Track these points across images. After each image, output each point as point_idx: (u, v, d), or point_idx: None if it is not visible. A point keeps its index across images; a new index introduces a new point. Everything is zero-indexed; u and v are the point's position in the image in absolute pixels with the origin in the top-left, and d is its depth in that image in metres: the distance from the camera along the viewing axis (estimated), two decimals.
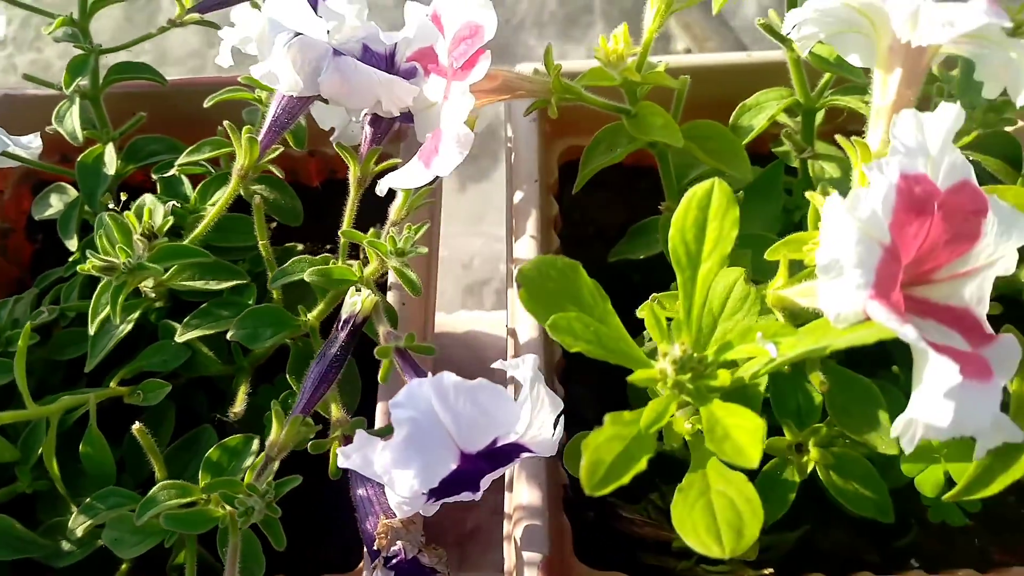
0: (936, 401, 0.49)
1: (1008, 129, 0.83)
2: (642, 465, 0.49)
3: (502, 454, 0.64)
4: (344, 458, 0.59)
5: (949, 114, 0.56)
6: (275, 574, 0.72)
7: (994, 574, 0.71)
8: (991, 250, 0.59)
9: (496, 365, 0.63)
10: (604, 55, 0.75)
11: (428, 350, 0.68)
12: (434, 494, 0.64)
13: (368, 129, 0.81)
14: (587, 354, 0.55)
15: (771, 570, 0.80)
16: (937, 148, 0.56)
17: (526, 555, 0.73)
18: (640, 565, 0.84)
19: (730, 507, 0.55)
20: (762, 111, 0.88)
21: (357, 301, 0.69)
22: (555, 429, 0.63)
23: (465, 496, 0.66)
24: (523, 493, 0.76)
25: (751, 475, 0.79)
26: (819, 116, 0.92)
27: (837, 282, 0.52)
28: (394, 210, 0.73)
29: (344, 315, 0.70)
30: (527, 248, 0.87)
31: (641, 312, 0.56)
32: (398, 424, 0.57)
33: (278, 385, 0.84)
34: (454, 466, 0.60)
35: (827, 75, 0.87)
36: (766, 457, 0.80)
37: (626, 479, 0.48)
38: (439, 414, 0.58)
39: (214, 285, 0.78)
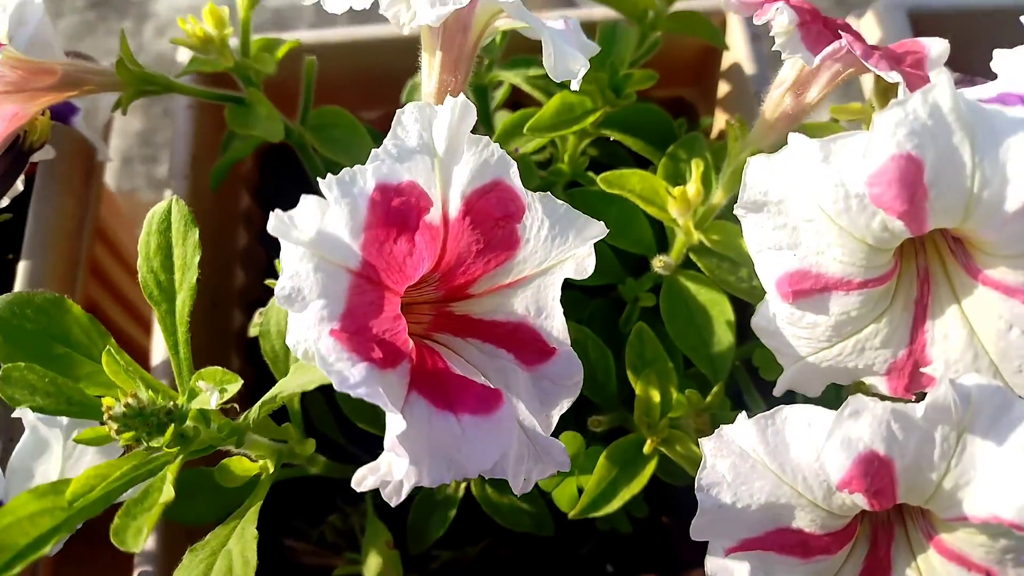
0: (389, 452, 0.42)
1: None
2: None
3: None
4: None
5: (450, 107, 0.48)
6: None
7: None
8: (541, 256, 0.52)
9: None
10: (186, 38, 0.66)
11: None
12: None
13: None
14: (46, 411, 0.47)
15: None
16: (444, 147, 0.48)
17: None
18: None
19: (227, 569, 0.48)
20: None
21: None
22: None
23: None
24: None
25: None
26: (501, 93, 0.84)
27: (303, 316, 0.45)
28: None
29: None
30: None
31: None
32: None
33: None
34: None
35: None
36: None
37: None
38: None
39: None
